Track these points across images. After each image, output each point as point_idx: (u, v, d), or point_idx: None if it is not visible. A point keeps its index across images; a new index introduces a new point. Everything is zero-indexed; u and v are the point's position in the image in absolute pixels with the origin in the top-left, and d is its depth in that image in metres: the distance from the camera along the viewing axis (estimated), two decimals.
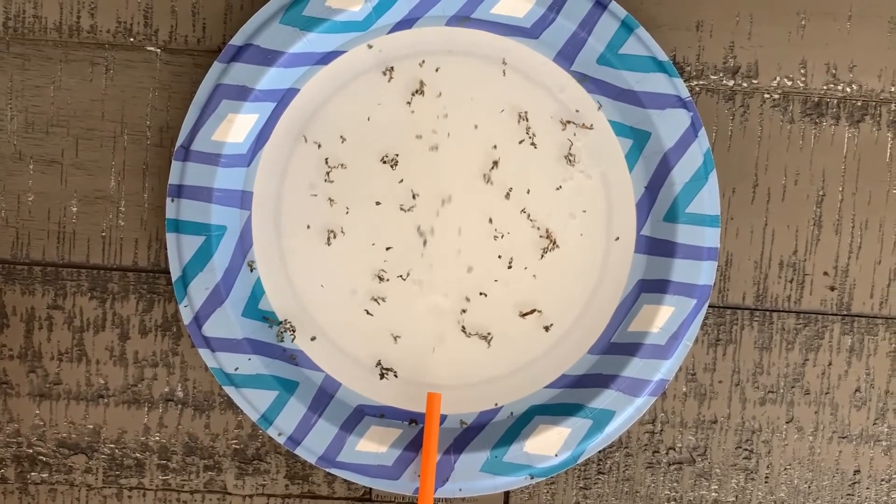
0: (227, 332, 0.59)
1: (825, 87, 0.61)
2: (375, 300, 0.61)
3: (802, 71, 0.61)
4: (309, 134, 0.60)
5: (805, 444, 0.62)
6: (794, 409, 0.62)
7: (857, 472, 0.62)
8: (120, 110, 0.61)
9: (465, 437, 0.60)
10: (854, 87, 0.61)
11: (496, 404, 0.61)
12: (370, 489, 0.62)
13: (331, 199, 0.60)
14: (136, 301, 0.61)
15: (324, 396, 0.61)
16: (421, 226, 0.61)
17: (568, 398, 0.60)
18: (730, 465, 0.62)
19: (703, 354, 0.62)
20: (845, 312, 0.62)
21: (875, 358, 0.62)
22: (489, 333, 0.61)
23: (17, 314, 0.61)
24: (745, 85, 0.61)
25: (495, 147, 0.61)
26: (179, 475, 0.62)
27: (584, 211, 0.61)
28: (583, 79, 0.60)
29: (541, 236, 0.61)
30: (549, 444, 0.60)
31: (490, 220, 0.61)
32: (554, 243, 0.60)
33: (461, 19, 0.60)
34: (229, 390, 0.60)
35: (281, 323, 0.60)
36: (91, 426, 0.62)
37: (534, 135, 0.60)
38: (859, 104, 0.61)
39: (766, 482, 0.62)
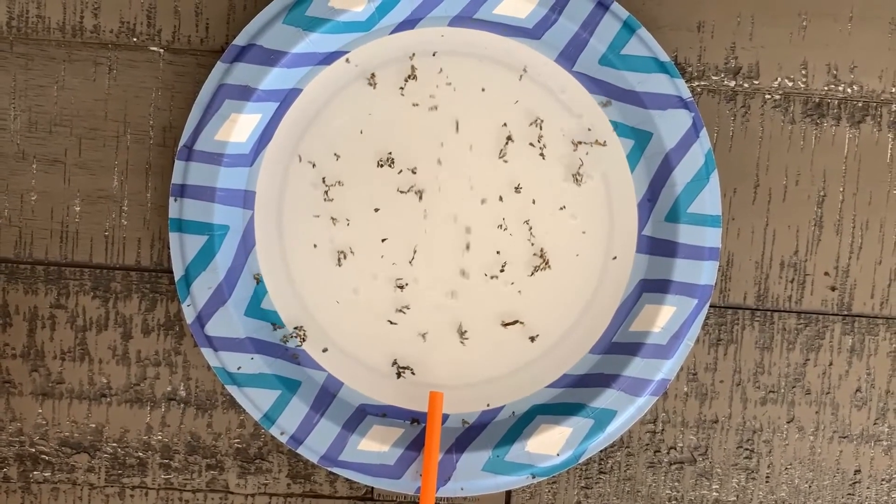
0: (229, 331, 0.60)
1: (826, 88, 0.61)
2: (374, 300, 0.61)
3: (803, 72, 0.61)
4: (303, 153, 0.60)
5: (806, 443, 0.62)
6: (794, 408, 0.62)
7: (857, 471, 0.63)
8: (123, 110, 0.61)
9: (466, 437, 0.61)
10: (855, 87, 0.61)
11: (498, 404, 0.61)
12: (372, 488, 0.62)
13: (333, 219, 0.60)
14: (139, 300, 0.61)
15: (326, 396, 0.61)
16: (425, 229, 0.61)
17: (569, 398, 0.61)
18: (731, 465, 0.62)
19: (705, 354, 0.62)
20: (846, 313, 0.62)
21: (876, 358, 0.62)
22: (491, 334, 0.61)
23: (20, 313, 0.61)
24: (746, 86, 0.61)
25: (503, 160, 0.61)
26: (182, 474, 0.62)
27: (584, 232, 0.61)
28: (584, 79, 0.60)
29: (534, 254, 0.61)
30: (550, 444, 0.60)
31: (498, 226, 0.61)
32: (546, 264, 0.61)
33: (463, 20, 0.60)
34: (232, 389, 0.60)
35: (296, 329, 0.60)
36: (93, 425, 0.62)
37: (544, 146, 0.60)
38: (860, 105, 0.61)
39: (766, 482, 0.63)
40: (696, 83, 0.61)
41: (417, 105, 0.60)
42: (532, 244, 0.61)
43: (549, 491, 0.62)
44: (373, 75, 0.60)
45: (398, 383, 0.61)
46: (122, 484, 0.62)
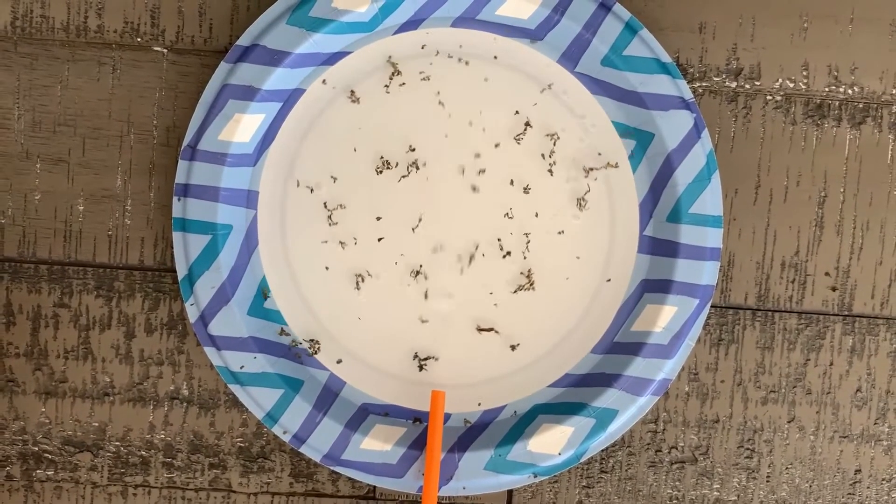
0: (232, 330, 0.60)
1: (827, 89, 0.62)
2: (375, 297, 0.61)
3: (804, 73, 0.61)
4: (301, 178, 0.60)
5: (806, 443, 0.63)
6: (795, 408, 0.62)
7: (857, 471, 0.63)
8: (127, 110, 0.61)
9: (468, 436, 0.61)
10: (856, 89, 0.61)
11: (500, 403, 0.61)
12: (374, 487, 0.62)
13: (339, 242, 0.61)
14: (142, 299, 0.62)
15: (329, 395, 0.61)
16: (432, 237, 0.61)
17: (571, 397, 0.61)
18: (732, 465, 0.63)
19: (706, 354, 0.62)
20: (846, 313, 0.62)
21: (876, 358, 0.62)
22: (495, 331, 0.61)
23: (24, 312, 0.62)
24: (747, 87, 0.61)
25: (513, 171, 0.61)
26: (184, 473, 0.62)
27: (578, 257, 0.61)
28: (586, 80, 0.60)
29: (521, 272, 0.61)
30: (552, 443, 0.60)
31: (498, 239, 0.61)
32: (531, 285, 0.61)
33: (467, 20, 0.60)
34: (235, 388, 0.60)
35: (311, 342, 0.61)
36: (96, 424, 0.62)
37: (554, 159, 0.61)
38: (861, 106, 0.62)
39: (767, 481, 0.63)
40: (698, 84, 0.62)
41: (419, 112, 0.61)
42: (525, 258, 0.61)
43: (550, 490, 0.63)
44: (352, 92, 0.60)
45: (399, 383, 0.61)
46: (125, 483, 0.62)
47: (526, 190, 0.61)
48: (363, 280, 0.61)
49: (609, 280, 0.61)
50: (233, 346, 0.60)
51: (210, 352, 0.60)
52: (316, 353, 0.61)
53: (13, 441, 0.62)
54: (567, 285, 0.61)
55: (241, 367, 0.60)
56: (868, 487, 0.63)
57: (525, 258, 0.61)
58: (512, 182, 0.61)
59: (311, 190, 0.60)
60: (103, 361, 0.62)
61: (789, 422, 0.62)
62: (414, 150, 0.61)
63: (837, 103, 0.62)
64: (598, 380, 0.60)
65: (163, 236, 0.61)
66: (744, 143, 0.62)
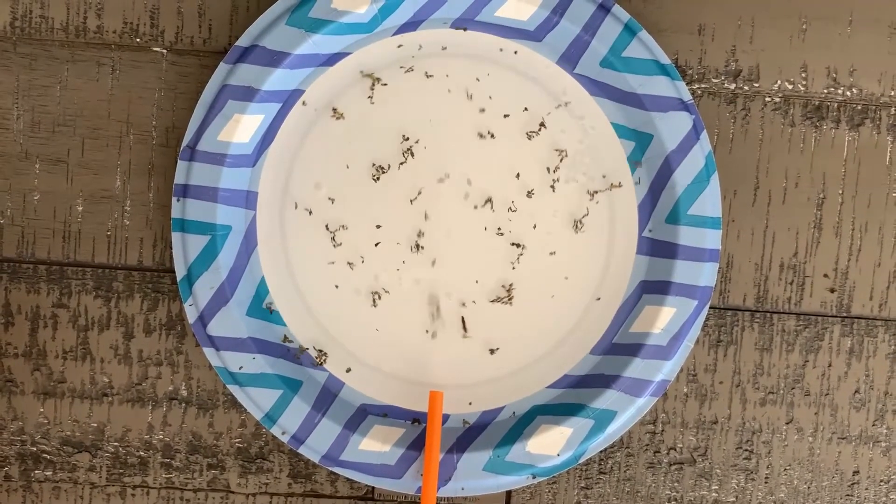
0: (231, 331, 0.60)
1: (826, 91, 0.62)
2: (376, 294, 0.61)
3: (803, 75, 0.62)
4: (299, 200, 0.61)
5: (805, 444, 0.63)
6: (794, 410, 0.62)
7: (856, 472, 0.63)
8: (126, 110, 0.61)
9: (467, 437, 0.61)
10: (854, 91, 0.62)
11: (498, 404, 0.61)
12: (373, 488, 0.62)
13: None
14: (141, 300, 0.62)
15: (327, 396, 0.61)
16: (430, 232, 0.61)
17: (570, 398, 0.61)
18: (730, 466, 0.63)
19: (704, 355, 0.62)
20: (845, 314, 0.62)
21: (874, 360, 0.62)
22: (492, 336, 0.61)
23: (23, 313, 0.62)
24: (746, 88, 0.62)
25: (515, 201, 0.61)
26: (183, 473, 0.62)
27: (566, 278, 0.61)
28: (586, 82, 0.61)
29: (508, 285, 0.61)
30: (551, 444, 0.60)
31: (500, 232, 0.61)
32: (511, 299, 0.61)
33: (465, 22, 0.60)
34: (233, 389, 0.60)
35: (320, 353, 0.61)
36: (95, 424, 0.62)
37: (557, 178, 0.61)
38: (859, 108, 0.62)
39: (765, 482, 0.63)
40: (697, 86, 0.62)
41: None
42: (516, 267, 0.61)
43: (549, 491, 0.63)
44: (335, 110, 0.60)
45: (399, 383, 0.61)
46: (124, 483, 0.62)
47: (529, 194, 0.61)
48: (379, 297, 0.61)
49: (599, 299, 0.61)
50: (231, 346, 0.60)
51: (209, 352, 0.60)
52: (323, 363, 0.61)
53: (11, 441, 0.62)
54: (552, 303, 0.61)
55: (240, 368, 0.60)
56: (866, 489, 0.63)
57: (514, 269, 0.61)
58: (506, 191, 0.61)
59: (310, 212, 0.60)
60: (102, 362, 0.62)
61: (788, 423, 0.62)
62: (409, 149, 0.61)
63: (836, 105, 0.62)
64: (597, 381, 0.60)
65: (162, 237, 0.61)
66: (742, 145, 0.62)
